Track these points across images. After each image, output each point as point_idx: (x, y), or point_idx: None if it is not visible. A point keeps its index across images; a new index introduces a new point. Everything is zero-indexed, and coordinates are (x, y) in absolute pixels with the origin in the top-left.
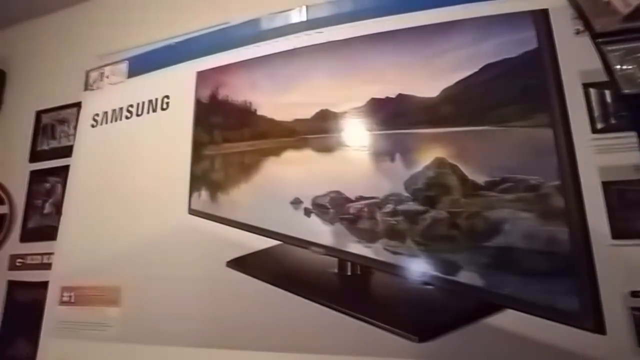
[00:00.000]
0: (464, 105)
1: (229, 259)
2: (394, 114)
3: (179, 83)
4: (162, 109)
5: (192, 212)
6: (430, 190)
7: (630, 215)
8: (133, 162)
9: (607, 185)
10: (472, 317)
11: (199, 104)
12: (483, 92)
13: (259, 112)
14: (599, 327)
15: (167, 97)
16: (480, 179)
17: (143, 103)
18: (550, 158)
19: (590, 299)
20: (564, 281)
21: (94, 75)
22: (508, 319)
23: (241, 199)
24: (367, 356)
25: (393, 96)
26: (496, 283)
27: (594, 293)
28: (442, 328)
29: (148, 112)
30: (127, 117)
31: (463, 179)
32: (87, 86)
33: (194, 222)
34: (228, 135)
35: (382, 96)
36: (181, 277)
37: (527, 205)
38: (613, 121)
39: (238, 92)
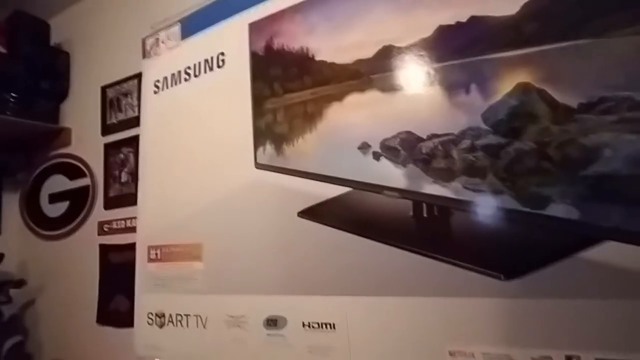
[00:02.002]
0: (552, 18)
1: (299, 210)
2: (466, 41)
3: (232, 38)
4: (219, 67)
5: (259, 166)
6: (513, 120)
7: None
8: (197, 124)
9: None
10: (563, 253)
11: (254, 57)
12: (577, 1)
13: (317, 58)
14: None
15: (222, 54)
16: (573, 101)
17: (199, 63)
18: None
19: None
20: None
21: (150, 42)
22: (607, 252)
23: (307, 149)
24: (451, 297)
25: (464, 20)
26: (598, 215)
27: None
28: (530, 265)
29: (205, 72)
30: (185, 80)
31: (553, 104)
32: (145, 54)
33: (262, 176)
34: (288, 85)
35: (452, 22)
36: (255, 230)
37: (632, 125)
38: None
39: (294, 39)
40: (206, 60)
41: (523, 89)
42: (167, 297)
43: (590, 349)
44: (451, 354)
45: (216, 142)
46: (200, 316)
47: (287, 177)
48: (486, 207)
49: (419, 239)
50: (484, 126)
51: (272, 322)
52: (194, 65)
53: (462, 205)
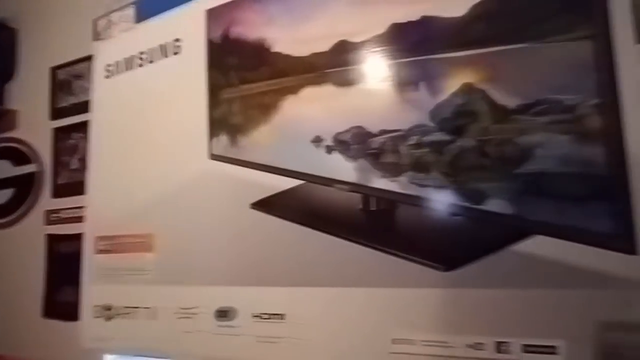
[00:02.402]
0: (496, 22)
1: (253, 201)
2: (417, 39)
3: (189, 24)
4: (174, 53)
5: (214, 157)
6: (457, 118)
7: None
8: (150, 111)
9: None
10: (498, 245)
11: (211, 45)
12: (519, 5)
13: (274, 49)
14: (632, 248)
15: (178, 40)
16: (511, 103)
17: (154, 49)
18: (589, 74)
19: (625, 221)
20: (599, 204)
21: (102, 23)
22: (535, 245)
23: (262, 140)
24: (395, 287)
25: (416, 19)
26: (529, 210)
27: (629, 214)
28: (468, 257)
29: (160, 58)
30: (139, 65)
31: (492, 105)
32: (96, 36)
33: (217, 166)
34: (245, 76)
35: (404, 20)
36: (208, 220)
37: (562, 127)
38: None
39: (251, 28)
40: (161, 46)
41: (467, 89)
42: (116, 289)
43: (519, 335)
44: (394, 341)
45: (170, 131)
46: (150, 308)
47: (241, 169)
48: (430, 201)
49: (366, 232)
50: (430, 123)
51: (223, 313)
52: (149, 50)
53: (408, 199)
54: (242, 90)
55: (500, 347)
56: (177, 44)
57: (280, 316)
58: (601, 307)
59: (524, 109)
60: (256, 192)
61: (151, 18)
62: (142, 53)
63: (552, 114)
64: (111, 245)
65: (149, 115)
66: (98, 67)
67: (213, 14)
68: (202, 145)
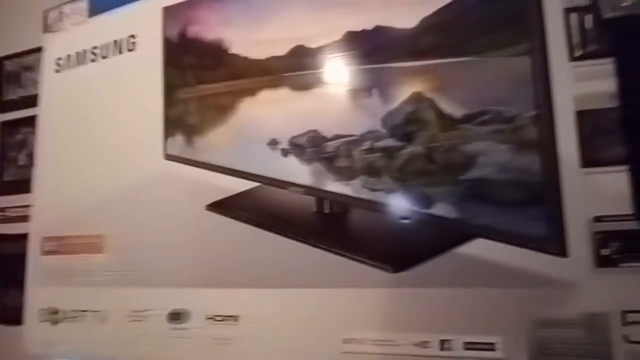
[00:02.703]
0: (445, 35)
1: (208, 203)
2: (370, 48)
3: (144, 21)
4: (129, 50)
5: (169, 157)
6: (407, 126)
7: (600, 143)
8: (103, 108)
9: (580, 114)
10: (444, 247)
11: (168, 43)
12: (465, 20)
13: (232, 51)
14: (562, 251)
15: (133, 36)
16: (457, 112)
17: (108, 44)
18: (527, 88)
19: (557, 225)
20: (534, 209)
21: (53, 15)
22: (477, 247)
23: (218, 142)
24: (346, 288)
25: (370, 28)
26: (471, 214)
27: (560, 219)
28: (416, 259)
29: (114, 54)
30: (92, 60)
31: (440, 113)
32: (47, 28)
33: (171, 167)
34: (202, 76)
35: (359, 29)
36: (161, 221)
37: (503, 136)
38: (591, 48)
39: (209, 29)
40: (115, 42)
41: (417, 98)
42: (63, 291)
43: (461, 333)
44: (345, 341)
45: (124, 129)
46: (100, 311)
47: (196, 169)
48: (382, 205)
49: (319, 234)
50: (382, 129)
51: (176, 316)
52: (102, 45)
53: (361, 203)
54: (199, 91)
55: (444, 344)
56: (132, 40)
57: (234, 318)
58: (535, 306)
59: (468, 119)
60: (211, 194)
61: (105, 12)
62: (95, 48)
63: (494, 124)
64: (59, 246)
65: (102, 112)
66: (48, 61)
67: (170, 12)
68: (157, 145)
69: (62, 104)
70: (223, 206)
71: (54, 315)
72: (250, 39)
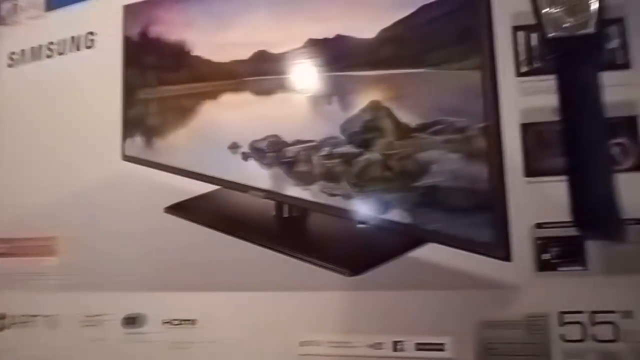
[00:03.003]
0: (402, 47)
1: (167, 205)
2: (331, 56)
3: (104, 18)
4: (87, 47)
5: (127, 158)
6: (365, 133)
7: (543, 155)
8: (59, 106)
9: (525, 127)
10: (398, 251)
11: (128, 42)
12: (421, 33)
13: (194, 53)
14: (507, 255)
15: (92, 33)
16: (412, 121)
17: (65, 40)
18: (478, 100)
19: (502, 231)
20: (481, 216)
21: (6, 7)
22: (429, 252)
23: (178, 144)
24: (304, 291)
25: (331, 37)
26: (424, 220)
27: (505, 225)
28: (372, 262)
29: (72, 51)
30: (48, 56)
31: (396, 122)
32: (0, 20)
33: (130, 168)
34: (163, 77)
35: (320, 37)
36: (118, 223)
37: (454, 146)
38: (536, 65)
39: (171, 29)
40: (73, 38)
41: (375, 106)
42: (11, 296)
43: (412, 334)
44: (302, 343)
45: (80, 128)
46: (51, 316)
47: (155, 171)
48: (339, 210)
49: (278, 238)
50: (341, 136)
51: (131, 320)
52: (59, 41)
53: (319, 208)
54: (160, 92)
55: (396, 345)
56: (91, 37)
57: (192, 321)
58: (481, 307)
59: (422, 128)
60: (170, 196)
61: (63, 7)
62: (51, 44)
63: (446, 133)
64: (8, 248)
65: (58, 110)
66: (1, 55)
67: (131, 11)
68: (115, 146)
69: (15, 101)
70: (182, 209)
71: (1, 321)
72: (213, 42)
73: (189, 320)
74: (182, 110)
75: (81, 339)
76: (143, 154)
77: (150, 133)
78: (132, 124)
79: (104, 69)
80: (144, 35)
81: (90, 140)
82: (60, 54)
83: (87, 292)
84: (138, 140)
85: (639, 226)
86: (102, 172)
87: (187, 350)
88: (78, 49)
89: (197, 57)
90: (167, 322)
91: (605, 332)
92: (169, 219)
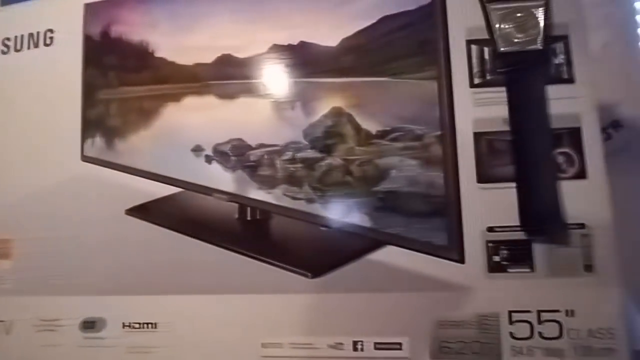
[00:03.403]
0: (362, 56)
1: (128, 207)
2: (295, 62)
3: (64, 15)
4: (46, 45)
5: (86, 159)
6: (327, 138)
7: (494, 162)
8: (15, 105)
9: (477, 136)
10: (358, 254)
11: (88, 41)
12: (381, 43)
13: (157, 54)
14: (460, 258)
15: (51, 31)
16: (373, 128)
17: (22, 36)
18: (434, 109)
19: (456, 235)
20: (437, 220)
21: None
22: (387, 254)
23: (141, 145)
24: (267, 293)
25: (295, 43)
26: (384, 223)
27: (459, 229)
28: (333, 265)
29: (29, 48)
30: (3, 52)
31: (357, 128)
32: None
33: (89, 169)
34: (124, 78)
35: (285, 43)
36: (77, 226)
37: (413, 152)
38: (489, 77)
39: (134, 30)
40: (31, 35)
41: (336, 112)
42: None
43: (371, 334)
44: (264, 345)
45: (37, 127)
46: (4, 321)
47: (117, 173)
48: (302, 213)
49: (241, 240)
50: (304, 141)
51: (90, 325)
52: (16, 37)
53: (282, 211)
54: (122, 92)
55: (356, 345)
56: (50, 34)
57: (153, 325)
58: (436, 308)
59: (382, 135)
60: (132, 198)
61: (20, 3)
62: (7, 39)
63: (405, 140)
64: None
65: (13, 108)
66: None
67: (92, 9)
68: (74, 146)
69: None
70: (144, 211)
71: None
72: (177, 44)
73: (150, 323)
74: (145, 112)
75: (37, 344)
76: (104, 155)
77: (111, 134)
78: (92, 125)
79: (63, 68)
80: (105, 34)
81: (49, 140)
82: (17, 50)
83: (43, 296)
84: (98, 141)
85: (580, 230)
86: (60, 173)
87: (147, 354)
88: (36, 46)
89: (161, 59)
90: (128, 326)
91: (550, 329)
92: (130, 221)
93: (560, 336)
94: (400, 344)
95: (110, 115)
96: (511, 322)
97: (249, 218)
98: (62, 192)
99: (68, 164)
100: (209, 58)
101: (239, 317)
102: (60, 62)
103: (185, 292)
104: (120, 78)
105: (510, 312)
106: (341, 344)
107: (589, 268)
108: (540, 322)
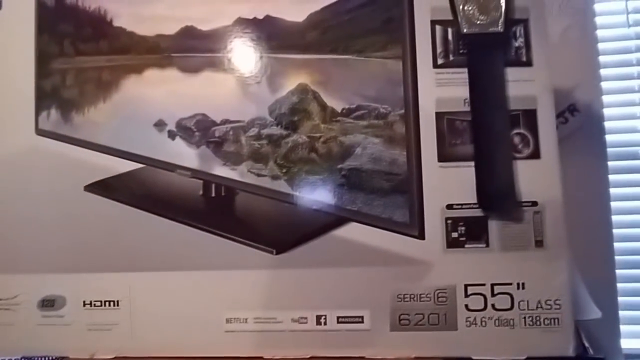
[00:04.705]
0: (328, 32)
1: (87, 183)
2: (260, 37)
3: None
4: None
5: (41, 132)
6: (293, 115)
7: (454, 142)
8: None
9: (439, 115)
10: (323, 230)
11: (42, 7)
12: (347, 20)
13: (116, 23)
14: (421, 234)
15: None
16: (338, 105)
17: None
18: (398, 88)
19: (417, 212)
20: (399, 197)
21: None
22: (350, 230)
23: (99, 119)
24: (231, 269)
25: (260, 17)
26: (347, 200)
27: (420, 207)
28: (297, 241)
29: None
30: None
31: (322, 106)
32: None
33: (45, 143)
34: (81, 47)
35: (250, 17)
36: (34, 202)
37: (376, 131)
38: (452, 58)
39: None
40: None
41: (302, 89)
42: None
43: (334, 308)
44: (228, 320)
45: None
46: None
47: (74, 148)
48: (266, 190)
49: (205, 217)
50: (269, 117)
51: (49, 303)
52: None
53: (246, 187)
54: (78, 62)
55: (319, 319)
56: None
57: (115, 302)
58: (397, 282)
59: (347, 112)
60: (91, 174)
61: None
62: None
63: (370, 119)
64: None
65: None
66: None
67: None
68: (27, 119)
69: None
70: (104, 187)
71: None
72: (137, 14)
73: (111, 301)
74: (103, 84)
75: None
76: (60, 128)
77: (68, 106)
78: (47, 96)
79: (14, 34)
80: (60, 0)
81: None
82: None
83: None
84: (54, 113)
85: (532, 208)
86: (13, 147)
87: (109, 331)
88: None
89: (120, 28)
90: (88, 304)
91: (502, 302)
92: (89, 198)
93: (511, 308)
94: (361, 317)
95: (67, 86)
96: (467, 295)
97: (213, 195)
98: (15, 168)
99: (22, 138)
100: (171, 29)
101: (203, 293)
102: (10, 29)
103: (147, 269)
104: (77, 47)
105: (466, 285)
106: (304, 318)
107: (539, 243)
108: (493, 294)
